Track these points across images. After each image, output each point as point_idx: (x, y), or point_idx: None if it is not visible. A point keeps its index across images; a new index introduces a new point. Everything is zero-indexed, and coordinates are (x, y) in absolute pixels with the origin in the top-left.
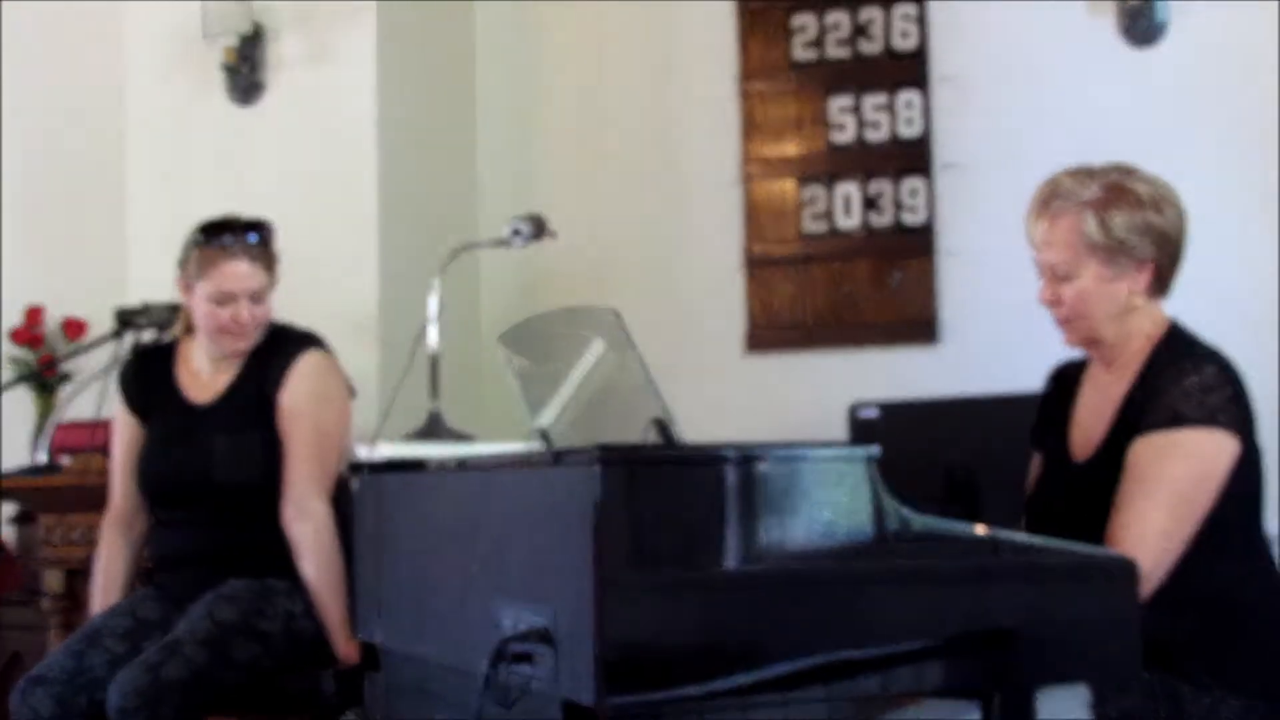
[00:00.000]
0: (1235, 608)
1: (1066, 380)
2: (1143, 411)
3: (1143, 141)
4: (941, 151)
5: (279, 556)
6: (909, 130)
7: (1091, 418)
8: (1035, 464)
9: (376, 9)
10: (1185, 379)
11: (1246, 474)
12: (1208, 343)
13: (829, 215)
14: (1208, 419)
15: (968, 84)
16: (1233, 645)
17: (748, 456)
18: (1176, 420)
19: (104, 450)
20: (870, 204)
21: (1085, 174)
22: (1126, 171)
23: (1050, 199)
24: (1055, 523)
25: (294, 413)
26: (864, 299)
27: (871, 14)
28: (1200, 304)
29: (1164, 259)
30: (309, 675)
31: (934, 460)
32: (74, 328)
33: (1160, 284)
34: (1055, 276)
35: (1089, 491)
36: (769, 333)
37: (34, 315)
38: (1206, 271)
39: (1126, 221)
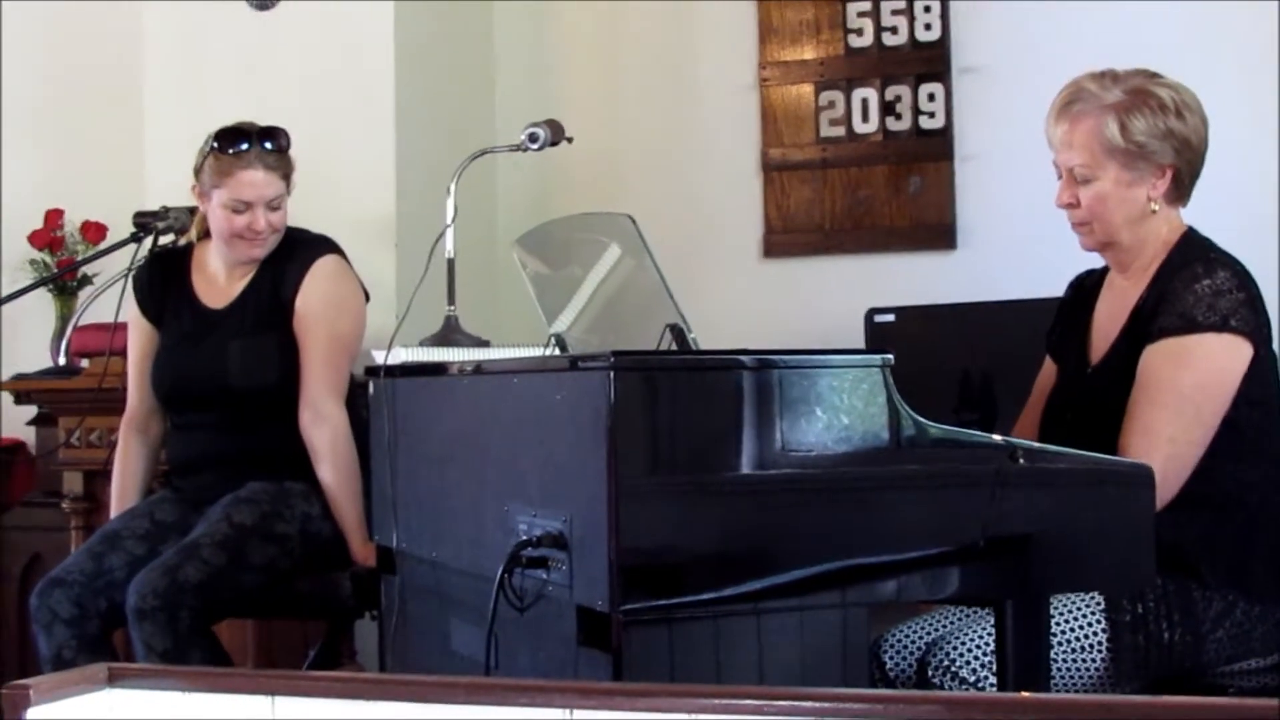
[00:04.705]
0: (1249, 512)
1: (1086, 288)
2: (1154, 316)
3: (1160, 48)
4: (960, 55)
5: (295, 459)
6: (927, 34)
7: (1108, 324)
8: (1047, 369)
9: None
10: (1197, 283)
11: (1261, 378)
12: (1221, 248)
13: (847, 120)
14: (1220, 324)
15: None
16: (1247, 549)
17: (763, 362)
18: (1189, 325)
19: (122, 353)
20: (888, 109)
21: (1108, 77)
22: (1150, 75)
23: (1072, 101)
24: (1065, 429)
25: (309, 317)
26: (881, 204)
27: None
28: (1215, 213)
29: (1183, 165)
30: (325, 578)
31: (950, 366)
32: (94, 230)
33: (1179, 191)
34: (1074, 179)
35: (1096, 396)
36: (786, 238)
37: (53, 218)
38: (1221, 179)
39: (1148, 126)
